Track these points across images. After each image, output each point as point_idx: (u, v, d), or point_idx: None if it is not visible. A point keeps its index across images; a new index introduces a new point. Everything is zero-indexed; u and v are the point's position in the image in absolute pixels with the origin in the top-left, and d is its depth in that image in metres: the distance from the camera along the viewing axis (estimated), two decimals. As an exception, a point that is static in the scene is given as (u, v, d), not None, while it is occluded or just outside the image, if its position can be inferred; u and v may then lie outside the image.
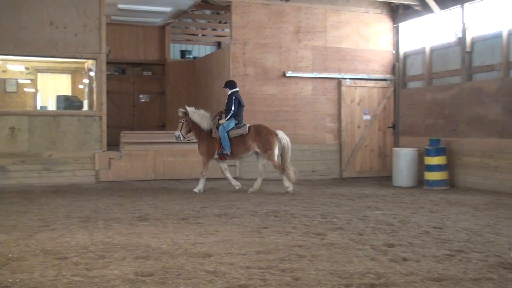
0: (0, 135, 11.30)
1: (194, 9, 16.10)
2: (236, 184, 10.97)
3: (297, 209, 8.77)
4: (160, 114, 17.36)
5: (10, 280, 4.64)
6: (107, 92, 12.55)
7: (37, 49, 11.75)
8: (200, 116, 10.72)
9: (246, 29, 13.50)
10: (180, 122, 10.72)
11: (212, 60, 15.25)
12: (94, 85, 12.72)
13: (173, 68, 17.05)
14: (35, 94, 14.92)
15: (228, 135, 10.53)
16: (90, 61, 13.14)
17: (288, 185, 10.73)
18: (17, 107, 14.53)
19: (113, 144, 12.75)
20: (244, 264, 5.21)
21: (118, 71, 16.98)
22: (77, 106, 13.10)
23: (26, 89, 15.04)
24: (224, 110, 10.85)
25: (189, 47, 19.04)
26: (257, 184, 10.80)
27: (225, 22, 18.22)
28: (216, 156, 10.72)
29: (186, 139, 10.83)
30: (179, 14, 15.81)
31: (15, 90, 14.98)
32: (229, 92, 10.79)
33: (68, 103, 12.95)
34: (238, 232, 6.81)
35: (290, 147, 10.85)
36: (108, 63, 12.59)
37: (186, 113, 10.67)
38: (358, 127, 14.37)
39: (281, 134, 10.81)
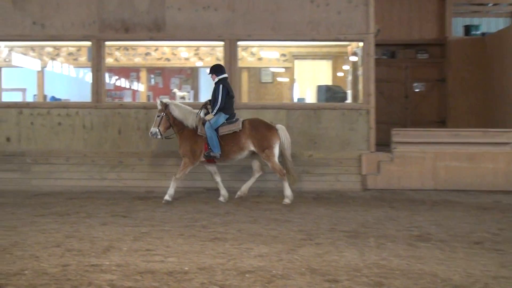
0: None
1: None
2: (224, 194, 10.65)
3: None
4: (439, 107, 17.03)
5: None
6: (375, 80, 12.56)
7: (297, 32, 12.28)
8: (183, 112, 10.63)
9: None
10: (158, 116, 10.58)
11: (509, 37, 14.32)
12: (359, 73, 12.87)
13: (456, 49, 16.57)
14: (291, 84, 15.76)
15: (218, 133, 10.29)
16: (354, 44, 13.34)
17: (289, 194, 10.40)
18: (274, 99, 15.54)
19: (382, 143, 12.75)
20: None
21: (387, 54, 17.07)
22: (340, 98, 13.39)
23: (280, 79, 16.00)
24: (210, 101, 10.58)
25: (474, 20, 18.13)
26: (246, 187, 10.75)
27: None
28: (202, 158, 10.49)
29: (164, 137, 10.67)
30: (465, -21, 15.15)
31: (270, 80, 16.10)
32: (216, 80, 10.56)
33: (330, 94, 13.30)
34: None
35: (290, 145, 10.63)
36: (375, 45, 12.57)
37: (166, 106, 10.53)
38: None
39: (280, 128, 10.59)
